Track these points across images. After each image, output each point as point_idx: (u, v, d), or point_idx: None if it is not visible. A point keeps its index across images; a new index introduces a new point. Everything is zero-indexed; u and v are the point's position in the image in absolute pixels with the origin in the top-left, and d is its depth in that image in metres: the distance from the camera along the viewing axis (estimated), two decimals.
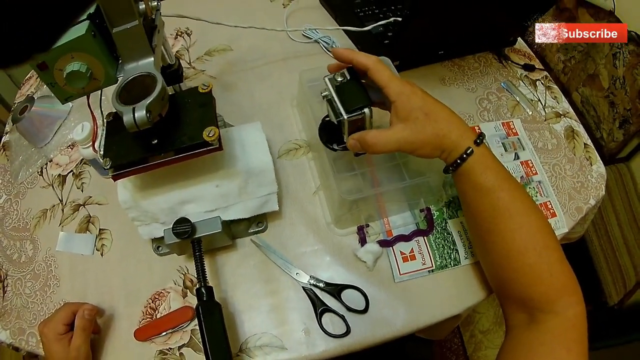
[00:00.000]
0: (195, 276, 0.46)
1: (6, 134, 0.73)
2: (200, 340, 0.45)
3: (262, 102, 0.64)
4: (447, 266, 0.51)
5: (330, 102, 0.45)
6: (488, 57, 0.70)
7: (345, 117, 0.43)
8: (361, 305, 0.48)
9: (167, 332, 0.50)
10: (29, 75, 0.78)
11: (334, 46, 0.68)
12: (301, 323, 0.48)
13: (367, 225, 0.51)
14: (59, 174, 0.64)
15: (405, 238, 0.51)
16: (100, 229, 0.58)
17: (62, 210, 0.61)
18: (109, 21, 0.38)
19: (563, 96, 0.69)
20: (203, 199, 0.47)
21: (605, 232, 0.80)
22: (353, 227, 0.52)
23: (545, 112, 0.66)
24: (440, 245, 0.52)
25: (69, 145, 0.66)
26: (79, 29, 0.37)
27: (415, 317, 0.48)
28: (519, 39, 0.71)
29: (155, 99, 0.38)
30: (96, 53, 0.39)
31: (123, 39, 0.39)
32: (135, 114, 0.37)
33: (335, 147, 0.49)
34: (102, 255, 0.56)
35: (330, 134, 0.49)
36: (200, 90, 0.44)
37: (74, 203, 0.61)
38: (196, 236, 0.45)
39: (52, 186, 0.64)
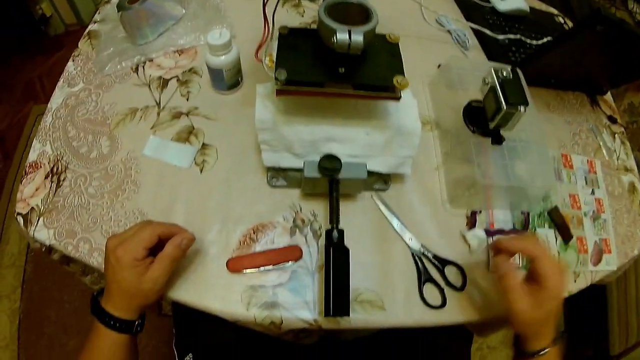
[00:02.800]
0: (309, 217, 0.49)
1: (94, 22, 0.72)
2: (325, 280, 0.47)
3: None
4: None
5: (492, 90, 0.52)
6: (583, 98, 0.80)
7: (505, 107, 0.51)
8: (458, 283, 0.54)
9: (266, 268, 0.50)
10: None
11: (466, 42, 0.76)
12: (403, 287, 0.52)
13: (480, 212, 0.58)
14: (160, 76, 0.64)
15: (504, 233, 0.59)
16: (204, 143, 0.59)
17: (158, 114, 0.61)
18: None
19: (632, 154, 0.81)
20: (351, 142, 0.51)
21: (624, 290, 0.93)
22: (463, 209, 0.58)
23: (617, 163, 0.78)
24: None
25: (177, 50, 0.66)
26: None
27: (500, 305, 0.54)
28: (609, 92, 0.84)
29: (372, 29, 0.42)
30: None
31: None
32: (352, 36, 0.41)
33: (474, 129, 0.56)
34: (201, 171, 0.57)
35: (472, 118, 0.56)
36: (389, 40, 0.49)
37: (175, 110, 0.61)
38: (340, 177, 0.49)
39: (149, 87, 0.64)
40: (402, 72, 0.46)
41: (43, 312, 1.17)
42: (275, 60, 0.46)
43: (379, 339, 0.67)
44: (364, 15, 0.44)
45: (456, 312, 0.53)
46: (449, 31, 0.77)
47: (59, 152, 0.59)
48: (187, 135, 0.60)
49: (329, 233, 0.48)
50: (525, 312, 0.46)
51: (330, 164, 0.48)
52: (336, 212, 0.49)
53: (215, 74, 0.59)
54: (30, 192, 0.56)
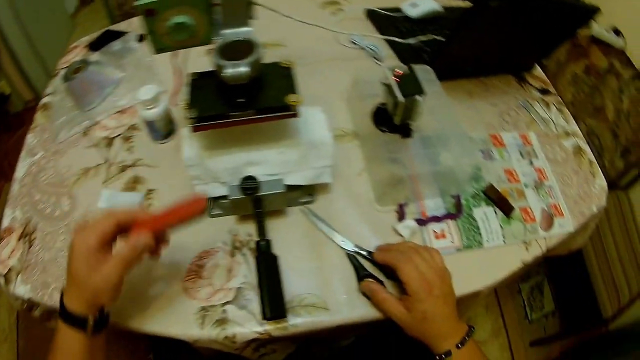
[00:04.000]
0: (246, 237, 0.54)
1: (46, 95, 0.82)
2: (258, 287, 0.53)
3: (313, 94, 0.74)
4: (472, 247, 0.63)
5: (388, 87, 0.59)
6: (509, 79, 0.86)
7: (401, 99, 0.57)
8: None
9: (176, 226, 0.49)
10: (75, 44, 0.88)
11: (380, 53, 0.84)
12: (343, 286, 0.58)
13: (406, 204, 0.63)
14: (106, 137, 0.73)
15: (438, 219, 0.63)
16: (148, 189, 0.67)
17: (108, 169, 0.70)
18: None
19: (572, 119, 0.85)
20: (267, 163, 0.58)
21: (603, 251, 0.94)
22: (392, 205, 0.64)
23: (557, 131, 0.82)
24: (467, 229, 0.64)
25: (119, 111, 0.75)
26: None
27: None
28: (536, 66, 0.89)
29: (256, 60, 0.49)
30: (205, 11, 0.49)
31: (229, 4, 0.51)
32: (239, 68, 0.48)
33: (384, 129, 0.62)
34: None
35: (380, 119, 0.62)
36: (282, 65, 0.56)
37: (121, 164, 0.70)
38: (260, 194, 0.56)
39: (97, 147, 0.72)
40: (294, 91, 0.53)
41: None
42: (187, 102, 0.53)
43: (356, 349, 0.72)
44: (250, 49, 0.51)
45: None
46: (362, 48, 0.85)
47: (27, 216, 0.67)
48: (133, 184, 0.68)
49: (257, 244, 0.54)
50: (401, 318, 0.51)
51: (248, 184, 0.55)
52: (262, 225, 0.55)
53: (150, 126, 0.68)
54: (7, 254, 0.63)
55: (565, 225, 0.69)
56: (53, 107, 0.79)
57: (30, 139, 0.76)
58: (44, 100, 0.81)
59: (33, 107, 1.90)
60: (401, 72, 0.59)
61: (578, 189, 0.74)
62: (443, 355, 0.49)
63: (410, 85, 0.58)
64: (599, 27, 0.98)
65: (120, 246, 0.45)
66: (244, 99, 0.52)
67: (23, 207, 0.68)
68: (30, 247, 0.64)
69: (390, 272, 0.56)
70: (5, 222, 0.67)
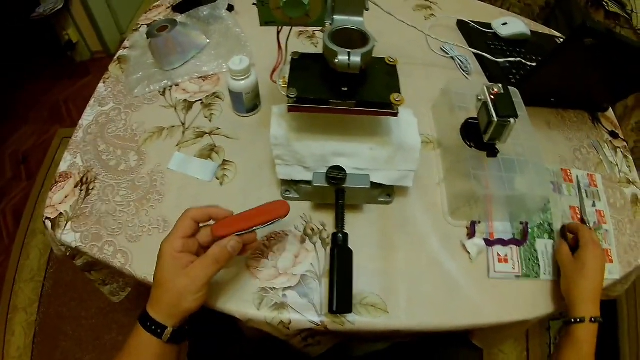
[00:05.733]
0: (318, 226, 0.55)
1: (124, 48, 0.83)
2: (329, 279, 0.53)
3: None
4: (530, 276, 0.64)
5: (485, 105, 0.59)
6: (584, 116, 0.87)
7: (496, 119, 0.58)
8: None
9: (256, 228, 0.49)
10: (158, 2, 0.88)
11: (468, 66, 0.85)
12: (406, 293, 0.58)
13: (479, 222, 0.65)
14: (185, 99, 0.74)
15: (504, 243, 0.64)
16: (224, 160, 0.67)
17: (183, 132, 0.71)
18: None
19: (634, 167, 0.87)
20: (356, 156, 0.58)
21: (635, 304, 0.96)
22: (464, 221, 0.65)
23: (620, 176, 0.83)
24: (527, 258, 0.65)
25: (201, 77, 0.76)
26: None
27: (499, 312, 0.60)
28: (610, 108, 0.90)
29: (369, 52, 0.50)
30: None
31: None
32: (351, 57, 0.49)
33: (471, 144, 0.63)
34: (221, 184, 0.65)
35: (468, 134, 0.64)
36: (387, 62, 0.57)
37: (198, 129, 0.71)
38: (345, 185, 0.57)
39: (175, 108, 0.73)
40: (398, 91, 0.53)
41: (59, 327, 1.25)
42: (287, 81, 0.54)
43: (389, 355, 0.73)
44: (362, 40, 0.52)
45: (458, 315, 0.58)
46: (452, 58, 0.85)
47: (89, 164, 0.67)
48: (209, 152, 0.68)
49: (334, 235, 0.55)
50: (565, 278, 0.60)
51: (336, 174, 0.56)
52: (341, 218, 0.56)
53: (236, 97, 0.68)
54: (60, 199, 0.64)
55: (613, 272, 0.70)
56: (130, 61, 0.80)
57: (102, 88, 0.77)
58: (122, 52, 0.82)
59: (100, 59, 2.02)
60: (496, 90, 0.60)
61: (629, 238, 0.75)
62: (578, 320, 0.56)
63: (505, 106, 0.59)
64: None
65: (213, 248, 0.46)
66: (348, 89, 0.53)
67: (85, 154, 0.69)
68: (87, 196, 0.64)
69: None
70: (63, 167, 0.67)
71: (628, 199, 0.80)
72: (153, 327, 0.45)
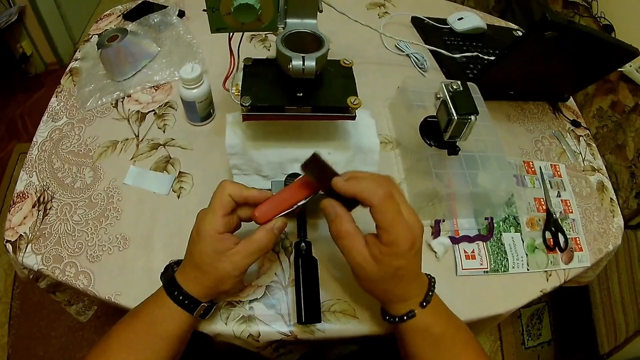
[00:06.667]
0: (281, 236, 0.53)
1: (75, 60, 0.80)
2: (294, 290, 0.53)
3: None
4: (498, 271, 0.64)
5: (444, 103, 0.59)
6: (544, 106, 0.88)
7: (456, 117, 0.58)
8: None
9: (298, 204, 0.46)
10: (109, 11, 0.86)
11: (424, 63, 0.84)
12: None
13: (443, 221, 0.65)
14: (138, 111, 0.72)
15: (470, 239, 0.65)
16: (180, 171, 0.66)
17: (137, 145, 0.68)
18: None
19: (599, 154, 0.88)
20: None
21: (607, 288, 0.98)
22: (428, 220, 0.64)
23: (584, 165, 0.85)
24: (495, 252, 0.66)
25: (153, 86, 0.74)
26: None
27: (470, 309, 0.60)
28: (571, 97, 0.92)
29: (324, 55, 0.49)
30: None
31: None
32: (306, 62, 0.47)
33: (431, 143, 0.63)
34: (178, 197, 0.63)
35: (428, 132, 0.63)
36: (342, 64, 0.56)
37: (152, 141, 0.68)
38: None
39: (128, 120, 0.71)
40: (355, 93, 0.53)
41: (31, 349, 1.23)
42: (240, 88, 0.53)
43: (363, 356, 0.72)
44: (316, 43, 0.51)
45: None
46: (407, 55, 0.85)
47: (45, 183, 0.65)
48: (164, 164, 0.66)
49: (297, 245, 0.54)
50: (364, 267, 0.41)
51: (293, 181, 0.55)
52: (304, 227, 0.55)
53: (189, 106, 0.66)
54: (19, 220, 0.62)
55: (583, 260, 0.71)
56: (82, 73, 0.77)
57: (55, 102, 0.74)
58: (73, 64, 0.79)
59: (54, 71, 1.99)
60: (455, 87, 0.60)
61: (598, 225, 0.77)
62: (405, 317, 0.43)
63: (464, 104, 0.59)
64: (629, 66, 1.02)
65: (258, 232, 0.44)
66: (303, 94, 0.52)
67: (41, 173, 0.66)
68: (45, 216, 0.62)
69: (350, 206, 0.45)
70: (20, 187, 0.65)
71: (594, 187, 0.82)
72: (186, 302, 0.44)
